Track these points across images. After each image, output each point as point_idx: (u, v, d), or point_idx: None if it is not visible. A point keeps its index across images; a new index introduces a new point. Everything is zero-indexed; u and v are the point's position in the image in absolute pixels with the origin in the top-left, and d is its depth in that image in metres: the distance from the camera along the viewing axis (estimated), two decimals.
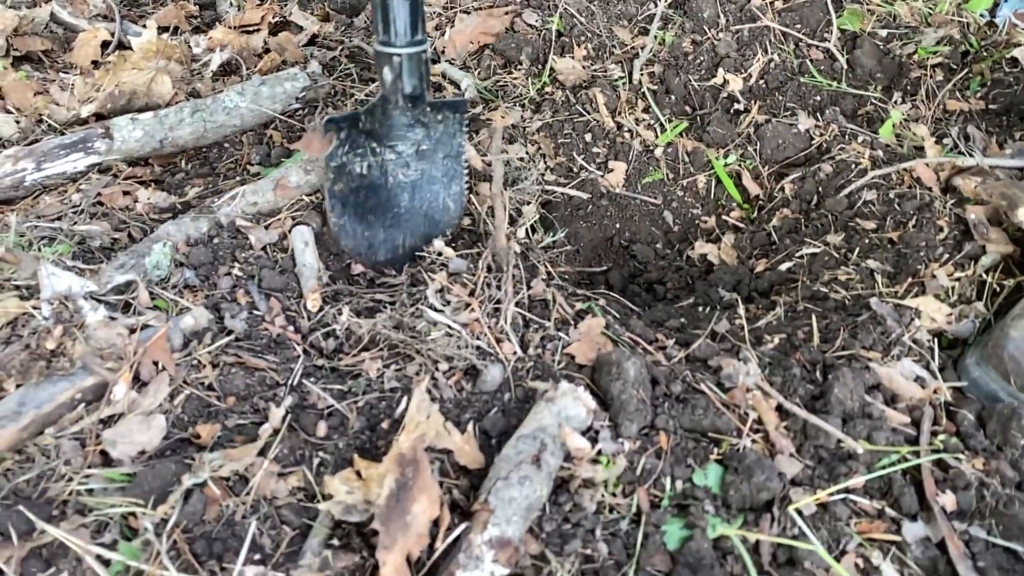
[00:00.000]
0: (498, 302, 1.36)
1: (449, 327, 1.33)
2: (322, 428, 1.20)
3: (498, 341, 1.33)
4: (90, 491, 1.12)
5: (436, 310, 1.34)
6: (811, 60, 2.16)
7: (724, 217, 1.96)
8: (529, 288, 1.43)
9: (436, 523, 1.02)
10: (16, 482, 1.13)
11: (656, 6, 2.29)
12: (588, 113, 2.03)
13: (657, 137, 2.03)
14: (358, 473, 1.07)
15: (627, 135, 2.02)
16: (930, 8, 2.26)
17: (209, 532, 1.07)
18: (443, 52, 2.19)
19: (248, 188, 1.52)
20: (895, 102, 2.04)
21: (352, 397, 1.26)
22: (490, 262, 1.45)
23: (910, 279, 1.53)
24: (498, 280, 1.33)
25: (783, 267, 1.73)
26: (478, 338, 1.33)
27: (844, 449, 1.19)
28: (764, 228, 1.87)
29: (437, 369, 1.28)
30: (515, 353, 1.32)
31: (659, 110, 2.07)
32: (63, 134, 1.71)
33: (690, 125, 2.07)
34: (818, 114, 2.03)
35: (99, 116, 1.70)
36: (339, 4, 2.15)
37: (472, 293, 1.36)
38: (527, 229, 1.69)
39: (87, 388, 1.20)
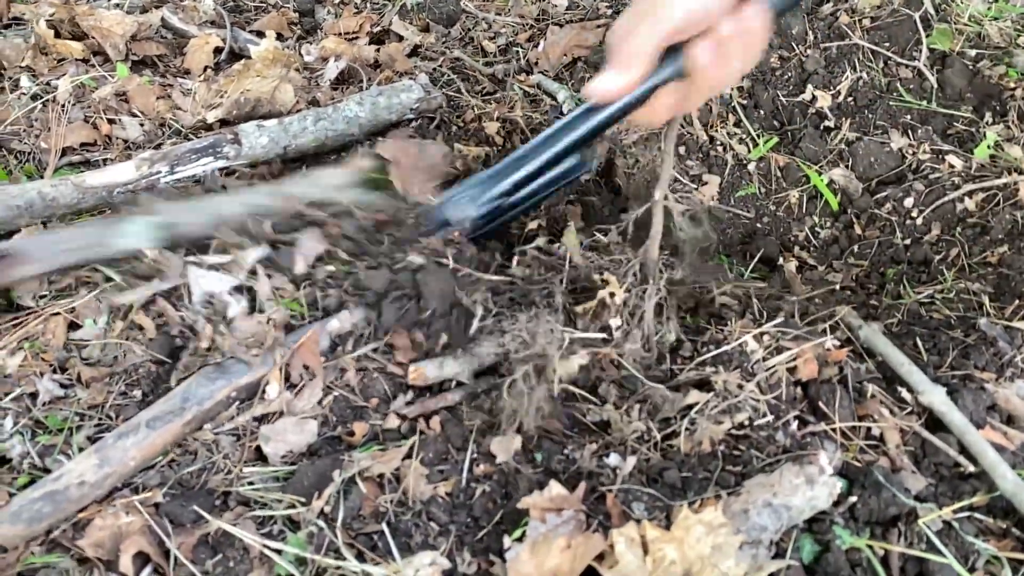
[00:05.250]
0: None
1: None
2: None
3: None
4: (251, 483, 1.19)
5: None
6: (900, 79, 2.18)
7: (816, 230, 1.99)
8: None
9: None
10: (181, 473, 1.20)
11: None
12: (681, 126, 2.07)
13: (749, 151, 2.06)
14: None
15: (720, 148, 2.06)
16: (1018, 29, 2.28)
17: (365, 526, 1.14)
18: (536, 64, 2.24)
19: None
20: (986, 123, 2.06)
21: None
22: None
23: (1017, 301, 1.56)
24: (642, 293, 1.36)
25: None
26: None
27: (964, 468, 1.23)
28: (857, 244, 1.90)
29: None
30: None
31: (749, 124, 2.11)
32: (188, 138, 1.78)
33: (780, 140, 2.11)
34: (910, 132, 2.06)
35: (223, 122, 1.77)
36: (437, 14, 2.22)
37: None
38: None
39: (242, 386, 1.27)
